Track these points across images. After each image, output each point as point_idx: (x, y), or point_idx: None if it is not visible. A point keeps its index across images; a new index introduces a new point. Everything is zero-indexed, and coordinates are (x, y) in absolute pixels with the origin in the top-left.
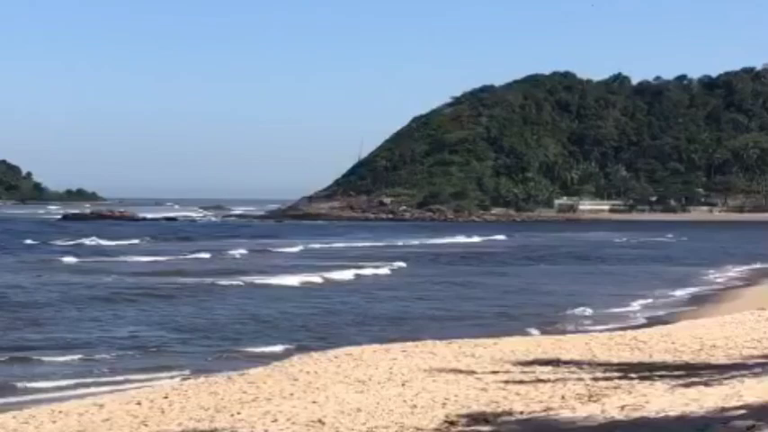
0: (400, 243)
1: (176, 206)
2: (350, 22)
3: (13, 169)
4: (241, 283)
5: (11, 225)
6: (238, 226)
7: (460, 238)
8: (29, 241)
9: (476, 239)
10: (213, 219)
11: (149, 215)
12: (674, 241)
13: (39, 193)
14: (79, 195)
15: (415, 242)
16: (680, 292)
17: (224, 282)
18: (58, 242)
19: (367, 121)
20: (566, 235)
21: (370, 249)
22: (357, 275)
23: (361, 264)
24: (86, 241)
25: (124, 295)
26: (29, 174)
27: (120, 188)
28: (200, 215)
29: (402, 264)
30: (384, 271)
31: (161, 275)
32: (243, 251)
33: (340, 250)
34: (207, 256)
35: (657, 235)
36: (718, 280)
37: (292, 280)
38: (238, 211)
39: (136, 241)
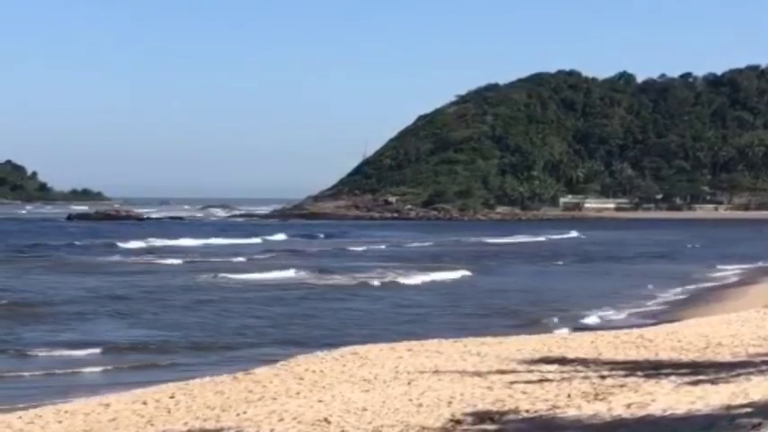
0: (455, 240)
1: (186, 206)
2: (354, 19)
3: (19, 169)
4: (378, 284)
5: (35, 225)
6: (261, 225)
7: (522, 238)
8: (77, 242)
9: (542, 239)
10: (222, 214)
11: (154, 215)
12: (679, 239)
13: (44, 193)
14: (84, 195)
15: (472, 240)
16: (685, 290)
17: (375, 282)
18: (122, 244)
19: (372, 120)
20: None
21: (437, 248)
22: (463, 276)
23: (447, 264)
24: (156, 242)
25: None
26: (34, 173)
27: (124, 187)
28: (207, 214)
29: (489, 263)
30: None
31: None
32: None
33: (411, 250)
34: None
35: (664, 233)
36: (724, 278)
37: (415, 279)
38: (243, 210)
39: (213, 241)
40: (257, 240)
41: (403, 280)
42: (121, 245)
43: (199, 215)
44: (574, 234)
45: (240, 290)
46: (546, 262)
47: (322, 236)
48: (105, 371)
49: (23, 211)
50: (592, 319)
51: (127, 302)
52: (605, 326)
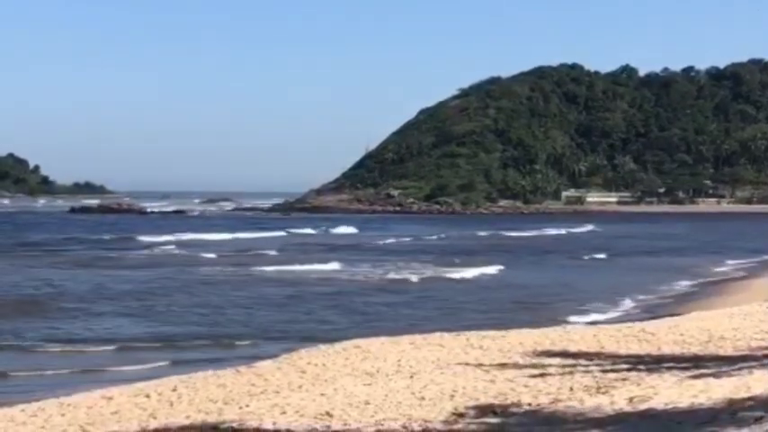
0: (471, 233)
1: (187, 200)
2: (357, 13)
3: (21, 163)
4: (425, 278)
5: (50, 219)
6: (282, 219)
7: (543, 231)
8: (107, 236)
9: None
10: (227, 208)
11: (156, 208)
12: (682, 233)
13: (46, 187)
14: (87, 189)
15: (490, 233)
16: (687, 284)
17: (423, 275)
18: (151, 238)
19: (374, 114)
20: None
21: (463, 241)
22: (500, 270)
23: (482, 258)
24: (183, 236)
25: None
26: (36, 167)
27: (127, 181)
28: (214, 208)
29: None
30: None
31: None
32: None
33: (438, 244)
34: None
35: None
36: (726, 272)
37: (470, 273)
38: (246, 203)
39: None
40: (282, 233)
41: (449, 274)
42: (150, 239)
43: (202, 209)
44: (591, 227)
45: (295, 283)
46: (576, 256)
47: (345, 228)
48: (154, 367)
49: (38, 204)
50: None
51: (191, 294)
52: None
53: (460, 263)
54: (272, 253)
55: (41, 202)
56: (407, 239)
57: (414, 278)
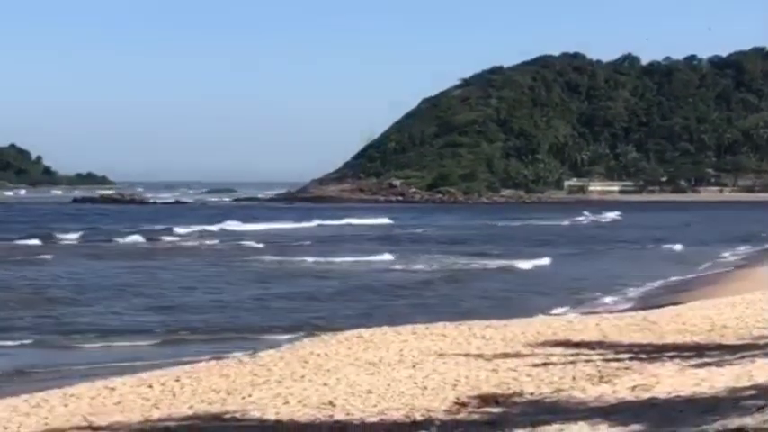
0: (492, 223)
1: (190, 190)
2: (357, 3)
3: (23, 153)
4: (495, 267)
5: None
6: (304, 209)
7: (565, 221)
8: (146, 227)
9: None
10: (226, 200)
11: (159, 199)
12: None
13: (49, 177)
14: (89, 179)
15: (516, 224)
16: (690, 273)
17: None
18: (182, 229)
19: (376, 104)
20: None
21: (497, 230)
22: (551, 261)
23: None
24: (225, 226)
25: None
26: (39, 158)
27: (129, 172)
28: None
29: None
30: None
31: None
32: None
33: (472, 234)
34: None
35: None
36: (729, 260)
37: (525, 264)
38: (249, 194)
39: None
40: (315, 223)
41: (518, 264)
42: (184, 230)
43: (208, 199)
44: (615, 215)
45: (356, 274)
46: (622, 246)
47: (377, 219)
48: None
49: (58, 193)
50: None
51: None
52: None
53: (507, 254)
54: (318, 244)
55: (58, 192)
56: (445, 230)
57: (491, 266)
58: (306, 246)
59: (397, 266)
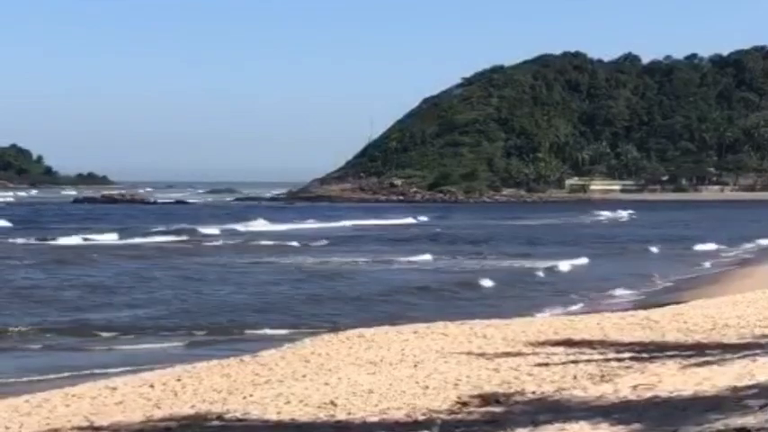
0: (509, 224)
1: (191, 190)
2: (359, 2)
3: (24, 153)
4: (543, 267)
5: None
6: (320, 208)
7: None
8: (174, 226)
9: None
10: (228, 199)
11: (160, 199)
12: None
13: (50, 177)
14: (90, 179)
15: (531, 223)
16: (692, 271)
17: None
18: (209, 230)
19: (377, 103)
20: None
21: (523, 231)
22: (588, 262)
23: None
24: (253, 227)
25: None
26: (40, 157)
27: (130, 172)
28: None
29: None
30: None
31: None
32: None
33: (498, 233)
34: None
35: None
36: (730, 259)
37: (564, 265)
38: (251, 193)
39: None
40: (346, 224)
41: (561, 266)
42: (210, 230)
43: (210, 199)
44: (629, 213)
45: (400, 272)
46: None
47: (410, 219)
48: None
49: (72, 193)
50: None
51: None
52: None
53: (538, 254)
54: (363, 244)
55: (72, 192)
56: (473, 229)
57: (539, 269)
58: (355, 246)
59: (440, 264)
